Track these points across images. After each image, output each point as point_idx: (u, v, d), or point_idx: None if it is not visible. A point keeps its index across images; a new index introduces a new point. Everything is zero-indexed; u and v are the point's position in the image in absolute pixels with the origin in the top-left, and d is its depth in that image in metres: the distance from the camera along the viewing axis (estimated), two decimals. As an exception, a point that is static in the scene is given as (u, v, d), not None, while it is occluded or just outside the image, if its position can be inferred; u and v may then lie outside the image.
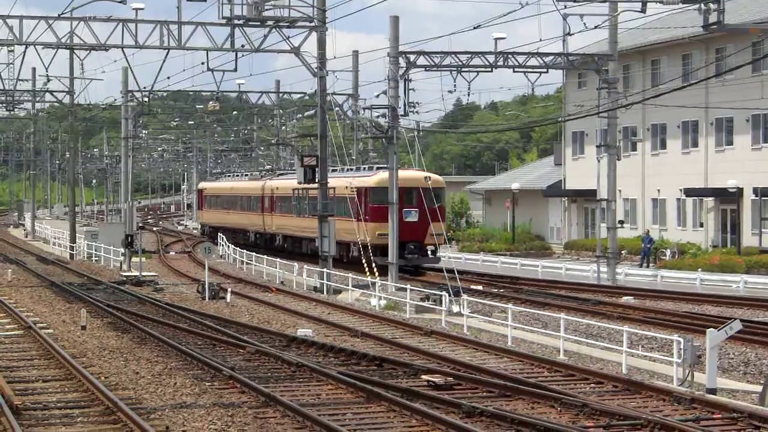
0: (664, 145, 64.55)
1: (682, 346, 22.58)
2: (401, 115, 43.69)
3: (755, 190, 56.30)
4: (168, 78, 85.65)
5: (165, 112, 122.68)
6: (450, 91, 47.01)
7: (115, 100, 73.53)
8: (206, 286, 39.72)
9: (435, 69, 44.66)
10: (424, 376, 21.81)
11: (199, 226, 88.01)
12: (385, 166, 50.46)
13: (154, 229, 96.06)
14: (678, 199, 62.79)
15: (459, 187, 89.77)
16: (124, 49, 42.58)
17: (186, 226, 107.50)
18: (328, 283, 42.37)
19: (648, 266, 54.81)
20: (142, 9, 41.80)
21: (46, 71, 58.54)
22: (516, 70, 45.05)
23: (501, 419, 17.83)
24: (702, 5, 32.43)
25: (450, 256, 53.19)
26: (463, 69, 44.55)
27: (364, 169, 53.91)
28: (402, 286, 39.58)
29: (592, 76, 57.98)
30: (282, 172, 69.62)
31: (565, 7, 40.39)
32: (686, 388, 21.39)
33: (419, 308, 35.69)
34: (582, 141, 70.81)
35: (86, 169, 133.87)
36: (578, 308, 35.76)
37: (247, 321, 31.96)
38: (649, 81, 63.56)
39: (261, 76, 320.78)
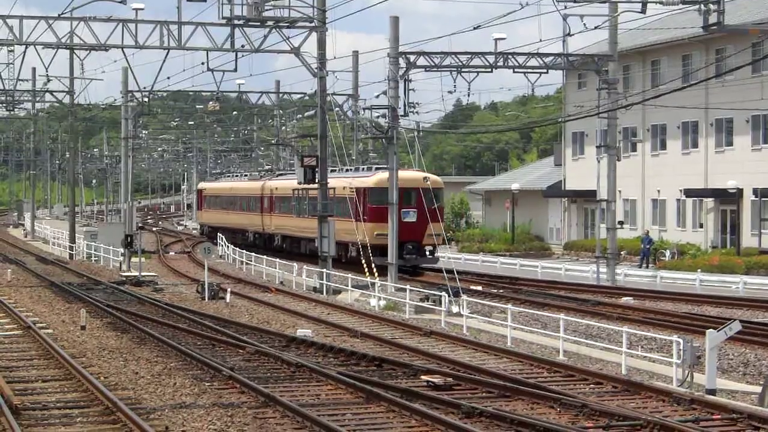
0: (664, 146, 64.57)
1: (681, 347, 22.58)
2: (401, 116, 43.70)
3: (755, 191, 56.31)
4: (168, 78, 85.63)
5: (165, 112, 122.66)
6: (450, 92, 47.09)
7: (115, 100, 73.59)
8: (206, 287, 39.72)
9: (435, 69, 44.66)
10: (423, 377, 21.81)
11: (199, 227, 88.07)
12: (384, 166, 50.47)
13: (154, 229, 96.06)
14: (678, 200, 62.81)
15: (459, 188, 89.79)
16: (124, 49, 42.59)
17: (186, 226, 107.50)
18: (328, 283, 42.37)
19: (647, 267, 54.82)
20: (142, 9, 41.80)
21: (46, 71, 58.52)
22: (516, 70, 45.05)
23: (500, 419, 17.83)
24: (702, 6, 32.42)
25: (449, 257, 53.19)
26: (463, 69, 44.56)
27: (363, 169, 53.93)
28: (401, 286, 39.58)
29: (592, 77, 57.98)
30: (281, 172, 69.63)
31: (565, 7, 40.41)
32: (686, 389, 21.39)
33: (419, 309, 35.68)
34: (582, 141, 70.83)
35: (86, 169, 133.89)
36: (578, 309, 35.77)
37: (246, 321, 31.96)
38: (649, 81, 63.57)
39: (261, 76, 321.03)
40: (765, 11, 56.62)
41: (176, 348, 25.56)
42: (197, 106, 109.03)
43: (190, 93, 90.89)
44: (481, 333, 30.98)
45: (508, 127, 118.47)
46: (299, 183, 45.35)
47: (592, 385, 21.55)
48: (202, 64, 43.61)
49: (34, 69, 74.63)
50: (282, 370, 23.07)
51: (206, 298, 38.79)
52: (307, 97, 71.31)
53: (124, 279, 46.57)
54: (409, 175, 49.71)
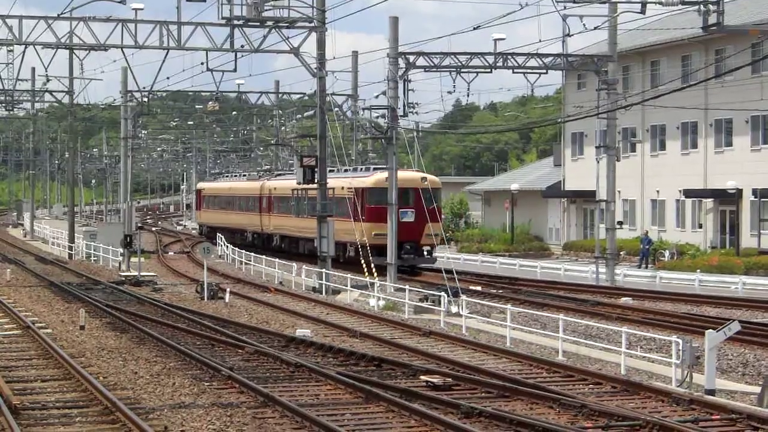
0: (663, 146, 64.58)
1: (680, 347, 22.58)
2: (401, 116, 43.70)
3: (754, 192, 56.32)
4: (167, 78, 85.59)
5: (164, 112, 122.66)
6: (449, 92, 47.10)
7: (115, 100, 73.61)
8: (205, 286, 39.72)
9: (434, 70, 44.66)
10: (422, 377, 21.80)
11: (198, 227, 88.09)
12: (382, 166, 50.52)
13: (153, 229, 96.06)
14: (677, 200, 62.81)
15: (458, 188, 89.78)
16: (124, 49, 42.58)
17: (185, 226, 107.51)
18: (327, 283, 42.37)
19: (647, 267, 54.84)
20: (141, 9, 41.80)
21: (46, 71, 58.62)
22: (515, 71, 45.06)
23: (500, 420, 17.83)
24: (701, 6, 32.42)
25: (449, 257, 53.21)
26: (462, 70, 44.56)
27: (361, 169, 53.99)
28: (401, 286, 39.58)
29: (591, 77, 57.98)
30: (280, 172, 69.63)
31: (565, 8, 40.41)
32: (685, 389, 21.39)
33: (418, 309, 35.68)
34: (581, 142, 70.84)
35: (85, 169, 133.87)
36: (577, 309, 35.77)
37: (245, 321, 31.96)
38: (648, 82, 63.57)
39: (260, 76, 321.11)
40: (765, 12, 56.62)
41: (175, 348, 25.56)
42: (197, 106, 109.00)
43: (190, 93, 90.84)
44: (481, 333, 30.98)
45: (507, 127, 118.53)
46: (299, 183, 45.36)
47: (591, 386, 21.55)
48: (202, 64, 43.63)
49: (33, 69, 74.75)
50: (281, 370, 23.07)
51: (205, 298, 38.79)
52: (306, 97, 71.34)
53: (124, 279, 46.56)
54: (407, 175, 49.73)
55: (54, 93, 67.40)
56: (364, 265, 43.81)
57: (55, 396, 20.23)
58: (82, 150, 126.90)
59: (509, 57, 44.89)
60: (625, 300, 39.23)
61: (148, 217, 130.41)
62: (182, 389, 20.79)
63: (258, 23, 41.73)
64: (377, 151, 71.81)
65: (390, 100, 43.43)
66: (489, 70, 44.74)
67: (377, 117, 45.59)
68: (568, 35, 43.63)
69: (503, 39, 45.41)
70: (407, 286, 37.57)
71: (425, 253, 50.63)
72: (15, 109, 76.70)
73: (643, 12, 38.26)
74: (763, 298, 39.07)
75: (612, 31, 45.30)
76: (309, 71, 43.28)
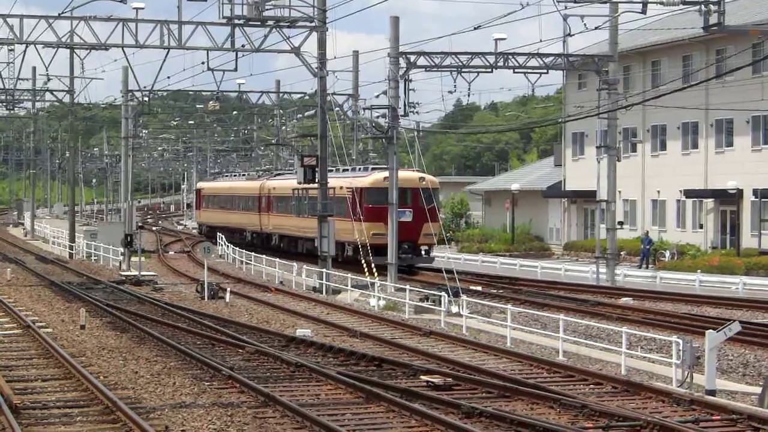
0: (664, 147, 64.57)
1: (681, 348, 22.57)
2: (401, 116, 43.69)
3: (755, 192, 56.31)
4: (168, 78, 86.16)
5: (165, 111, 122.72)
6: (450, 92, 47.09)
7: (115, 99, 73.65)
8: (205, 286, 39.72)
9: (435, 69, 44.66)
10: (423, 377, 21.80)
11: (198, 226, 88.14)
12: (381, 166, 50.52)
13: (154, 228, 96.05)
14: (678, 201, 62.81)
15: (459, 188, 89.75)
16: (125, 48, 42.58)
17: (185, 225, 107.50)
18: (328, 283, 42.37)
19: (647, 267, 54.83)
20: (142, 8, 41.80)
21: (47, 70, 58.64)
22: (516, 70, 45.05)
23: (500, 420, 17.83)
24: (702, 6, 32.43)
25: (449, 257, 53.21)
26: (463, 69, 44.55)
27: (360, 169, 54.06)
28: (401, 286, 39.59)
29: (592, 77, 57.98)
30: (279, 172, 69.65)
31: (566, 7, 40.40)
32: (685, 390, 21.39)
33: (418, 309, 35.67)
34: (582, 142, 70.83)
35: (86, 169, 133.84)
36: (577, 309, 35.77)
37: (246, 321, 31.96)
38: (649, 82, 63.57)
39: (261, 76, 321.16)
40: (765, 12, 56.61)
41: (176, 347, 25.56)
42: (197, 106, 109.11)
43: (190, 92, 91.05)
44: (481, 333, 30.98)
45: (508, 127, 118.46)
46: (299, 183, 45.37)
47: (591, 386, 21.55)
48: (202, 63, 43.66)
49: (34, 68, 74.79)
50: (281, 370, 23.07)
51: (206, 298, 38.79)
52: (307, 97, 71.33)
53: (124, 278, 46.55)
54: (405, 175, 49.73)
55: (55, 92, 67.44)
56: (364, 265, 43.84)
57: (55, 395, 20.24)
58: (82, 149, 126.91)
59: (510, 57, 44.89)
60: (625, 300, 39.22)
61: (149, 216, 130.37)
62: (183, 389, 20.79)
63: (259, 23, 41.74)
64: (378, 151, 71.78)
65: (390, 99, 43.42)
66: (490, 69, 44.74)
67: (378, 117, 45.58)
68: (569, 35, 43.65)
69: (504, 39, 45.42)
70: (408, 286, 37.57)
71: (423, 252, 50.70)
72: (16, 109, 76.69)
73: (644, 12, 38.25)
74: (764, 299, 39.05)
75: (613, 31, 45.29)
76: (310, 71, 43.28)
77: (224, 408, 18.94)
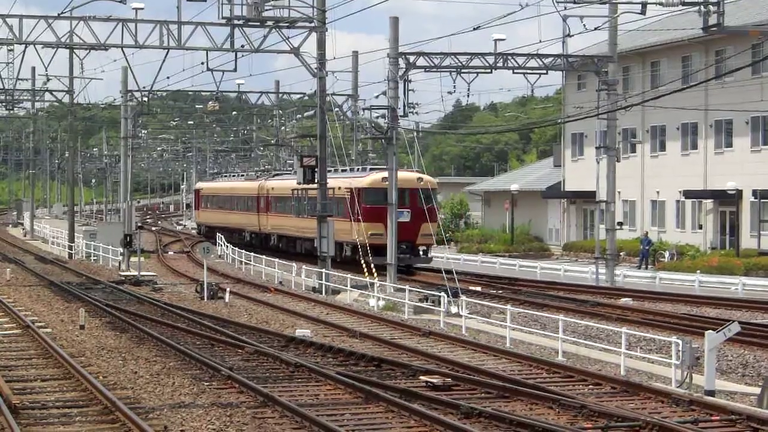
0: (663, 147, 64.58)
1: (680, 348, 22.57)
2: (401, 116, 43.69)
3: (754, 192, 56.32)
4: (168, 78, 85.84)
5: (164, 111, 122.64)
6: (449, 92, 47.03)
7: (115, 99, 73.68)
8: (205, 286, 39.71)
9: (435, 70, 44.65)
10: (422, 377, 21.80)
11: (197, 226, 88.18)
12: (379, 167, 50.47)
13: (153, 228, 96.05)
14: (677, 201, 62.82)
15: (458, 188, 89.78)
16: (124, 48, 42.57)
17: (185, 225, 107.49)
18: (327, 283, 42.37)
19: (646, 268, 54.83)
20: (141, 9, 41.79)
21: (46, 71, 58.66)
22: (516, 71, 45.05)
23: (499, 420, 17.83)
24: (702, 7, 32.42)
25: (448, 257, 53.17)
26: (462, 70, 44.55)
27: (358, 170, 54.11)
28: (401, 286, 39.59)
29: (591, 78, 57.98)
30: (277, 172, 69.67)
31: (565, 8, 40.45)
32: (685, 390, 21.39)
33: (418, 309, 35.67)
34: (581, 142, 70.83)
35: (85, 169, 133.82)
36: (577, 309, 35.77)
37: (245, 321, 31.95)
38: (648, 83, 63.57)
39: (261, 76, 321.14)
40: (765, 13, 56.64)
41: (175, 347, 25.56)
42: (197, 106, 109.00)
43: (190, 93, 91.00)
44: (480, 333, 30.97)
45: (507, 128, 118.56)
46: (299, 183, 45.38)
47: (591, 386, 21.55)
48: (202, 63, 43.63)
49: (33, 68, 74.79)
50: (281, 370, 23.06)
51: (205, 298, 38.79)
52: (306, 98, 71.35)
53: (123, 278, 46.55)
54: (404, 175, 49.70)
55: (54, 92, 67.43)
56: (363, 265, 43.83)
57: (54, 395, 20.23)
58: (82, 149, 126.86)
59: (509, 57, 44.89)
60: (624, 301, 39.22)
61: (148, 216, 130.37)
62: (182, 389, 20.79)
63: (258, 23, 41.74)
64: (377, 152, 71.83)
65: (390, 100, 43.42)
66: (489, 70, 44.74)
67: (377, 117, 45.59)
68: (569, 36, 43.66)
69: (503, 39, 45.41)
70: (407, 287, 37.57)
71: (421, 252, 50.73)
72: (15, 109, 76.71)
73: (643, 13, 38.28)
74: (763, 299, 39.06)
75: (612, 31, 45.30)
76: (309, 71, 43.28)
77: (223, 408, 18.94)
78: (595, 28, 42.21)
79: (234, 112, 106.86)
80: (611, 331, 28.98)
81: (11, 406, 18.47)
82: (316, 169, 43.70)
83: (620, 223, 53.02)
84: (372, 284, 39.49)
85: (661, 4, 35.46)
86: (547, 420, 17.90)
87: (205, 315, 33.04)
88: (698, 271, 47.61)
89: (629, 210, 66.61)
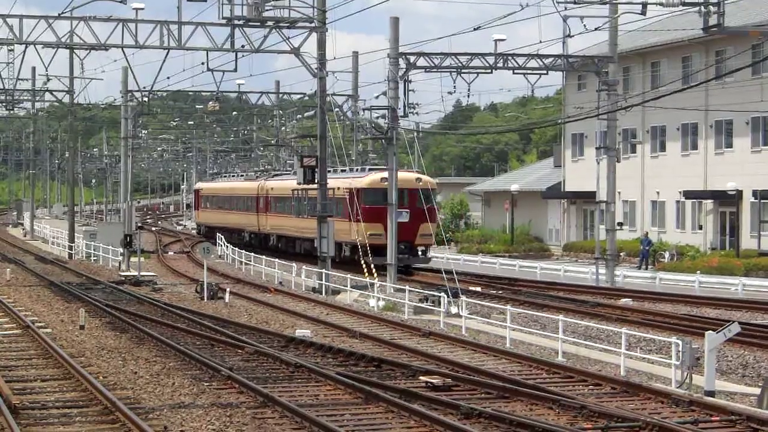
0: (663, 148, 64.57)
1: (680, 349, 22.56)
2: (401, 116, 43.70)
3: (755, 193, 56.32)
4: (168, 78, 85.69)
5: (165, 112, 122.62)
6: (450, 93, 47.04)
7: (115, 99, 73.63)
8: (205, 286, 39.71)
9: (435, 70, 44.65)
10: (422, 377, 21.80)
11: (196, 226, 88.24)
12: (378, 167, 50.44)
13: (153, 229, 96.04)
14: (677, 202, 62.81)
15: (458, 189, 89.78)
16: (124, 48, 42.57)
17: (185, 226, 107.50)
18: (327, 283, 42.37)
19: (647, 268, 54.83)
20: (142, 9, 41.79)
21: (46, 71, 58.63)
22: (516, 71, 45.05)
23: (499, 420, 17.83)
24: (702, 7, 32.42)
25: (448, 258, 53.17)
26: (462, 70, 44.55)
27: (357, 170, 54.14)
28: (400, 287, 39.57)
29: (591, 78, 57.98)
30: (277, 172, 69.68)
31: (566, 8, 40.44)
32: (684, 391, 21.39)
33: (418, 309, 35.67)
34: (581, 143, 70.83)
35: (86, 169, 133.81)
36: (577, 310, 35.76)
37: (245, 321, 31.95)
38: (648, 83, 63.57)
39: (261, 76, 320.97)
40: (765, 13, 56.61)
41: (175, 348, 25.55)
42: (197, 106, 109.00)
43: (190, 93, 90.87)
44: (480, 334, 30.97)
45: (507, 128, 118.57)
46: (299, 183, 45.38)
47: (591, 386, 21.55)
48: (202, 64, 43.65)
49: (33, 68, 74.77)
50: (281, 371, 23.06)
51: (205, 298, 38.79)
52: (306, 98, 71.32)
53: (123, 279, 46.55)
54: (402, 175, 49.66)
55: (54, 92, 67.43)
56: (363, 265, 43.82)
57: (54, 396, 20.23)
58: (82, 150, 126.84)
59: (510, 58, 44.89)
60: (624, 301, 39.21)
61: (148, 216, 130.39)
62: (182, 389, 20.79)
63: (258, 23, 41.73)
64: (377, 152, 71.83)
65: (390, 100, 43.42)
66: (489, 70, 44.74)
67: (377, 117, 45.58)
68: (569, 36, 43.67)
69: (503, 40, 45.40)
70: (407, 287, 37.56)
71: (420, 253, 50.73)
72: (15, 109, 76.66)
73: (643, 13, 38.28)
74: (763, 300, 39.05)
75: (612, 32, 45.30)
76: (309, 71, 43.28)
77: (223, 408, 18.94)
78: (596, 29, 42.25)
79: (234, 113, 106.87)
80: (611, 331, 28.98)
81: (11, 406, 18.46)
82: (316, 170, 43.70)
83: (620, 224, 53.03)
84: (372, 284, 39.49)
85: (661, 4, 35.48)
86: (547, 420, 17.90)
87: (205, 315, 33.04)
88: (698, 272, 47.61)
89: (629, 210, 66.61)
